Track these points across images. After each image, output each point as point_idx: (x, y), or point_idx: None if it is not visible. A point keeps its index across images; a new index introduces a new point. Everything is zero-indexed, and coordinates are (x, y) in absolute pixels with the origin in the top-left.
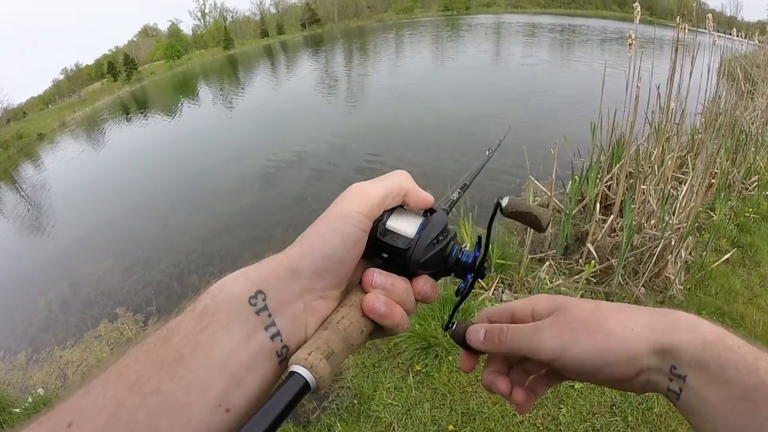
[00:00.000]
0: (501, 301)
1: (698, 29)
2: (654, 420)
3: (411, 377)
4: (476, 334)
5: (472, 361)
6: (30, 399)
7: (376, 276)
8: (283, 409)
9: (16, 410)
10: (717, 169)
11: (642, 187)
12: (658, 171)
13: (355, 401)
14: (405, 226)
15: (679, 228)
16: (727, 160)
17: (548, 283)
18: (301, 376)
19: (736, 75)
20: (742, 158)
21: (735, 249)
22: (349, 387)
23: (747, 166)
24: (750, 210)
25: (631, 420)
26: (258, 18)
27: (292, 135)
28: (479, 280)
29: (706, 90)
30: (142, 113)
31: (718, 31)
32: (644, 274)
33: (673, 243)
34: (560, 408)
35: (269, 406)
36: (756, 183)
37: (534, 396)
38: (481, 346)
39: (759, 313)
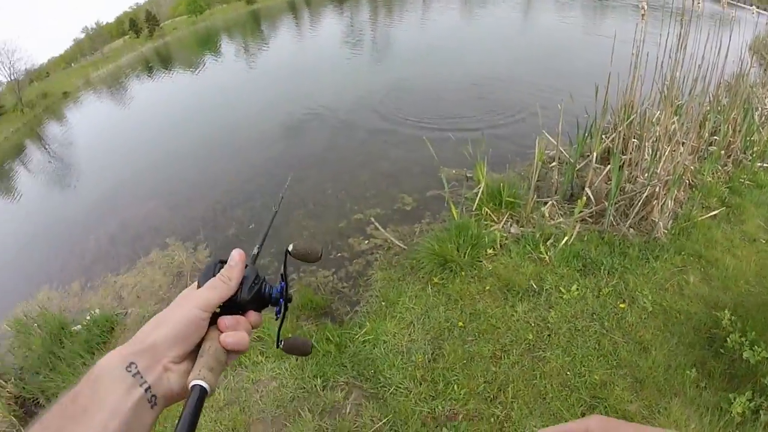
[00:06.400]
0: (509, 233)
1: (739, 4)
2: (626, 327)
3: (429, 288)
4: None
5: None
6: (88, 317)
7: (226, 320)
8: (193, 412)
9: (77, 327)
10: (717, 136)
11: (642, 143)
12: (661, 132)
13: (383, 304)
14: None
15: (667, 179)
16: (733, 130)
17: (550, 220)
18: (199, 385)
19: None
20: (747, 129)
21: (723, 207)
22: (377, 295)
23: (750, 138)
24: (744, 176)
25: (607, 324)
26: None
27: (316, 91)
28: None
29: (723, 65)
30: (166, 69)
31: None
32: (633, 216)
33: (658, 190)
34: (549, 311)
35: (185, 414)
36: (752, 153)
37: None
38: None
39: (733, 259)
